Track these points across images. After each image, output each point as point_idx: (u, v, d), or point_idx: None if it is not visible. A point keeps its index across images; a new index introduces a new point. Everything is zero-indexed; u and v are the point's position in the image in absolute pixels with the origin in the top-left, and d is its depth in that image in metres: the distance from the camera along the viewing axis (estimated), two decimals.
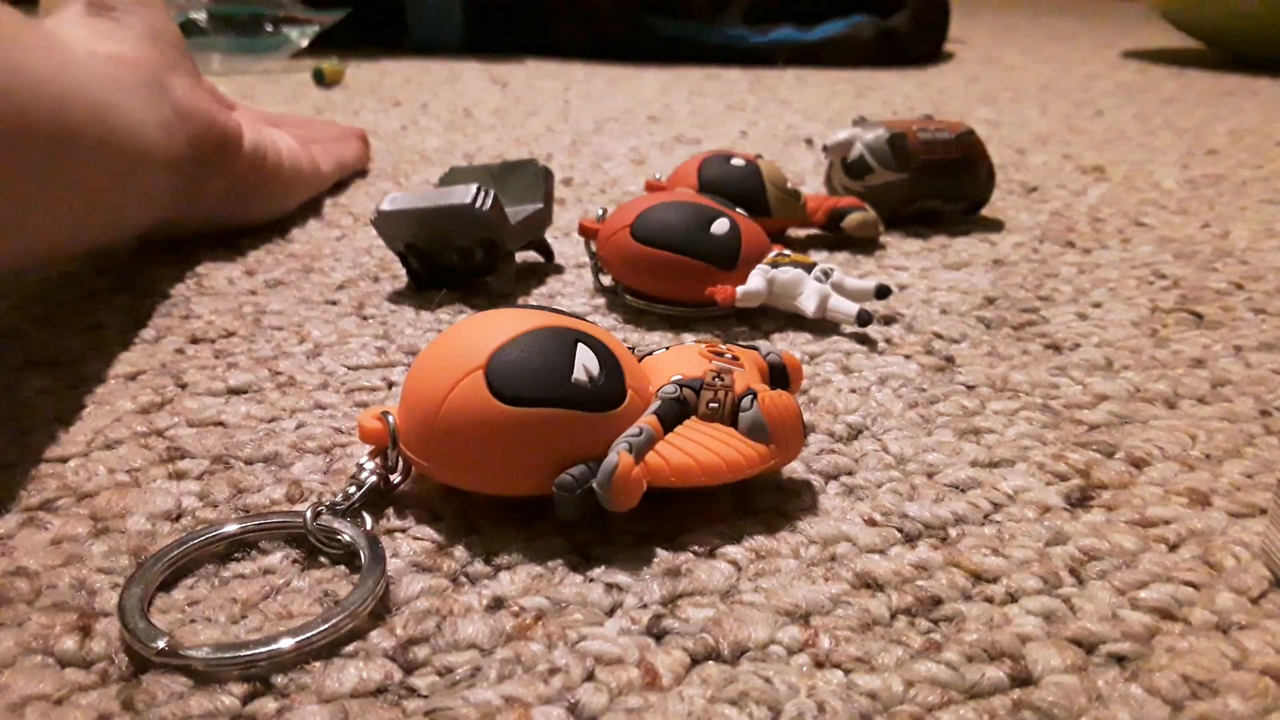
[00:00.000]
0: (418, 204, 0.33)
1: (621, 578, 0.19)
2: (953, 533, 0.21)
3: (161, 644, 0.16)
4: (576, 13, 1.08)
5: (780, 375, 0.24)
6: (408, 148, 0.60)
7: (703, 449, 0.20)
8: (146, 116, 0.31)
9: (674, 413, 0.21)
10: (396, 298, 0.34)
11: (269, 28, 0.96)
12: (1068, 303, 0.35)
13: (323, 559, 0.20)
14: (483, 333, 0.21)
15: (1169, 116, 0.75)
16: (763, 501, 0.22)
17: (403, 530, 0.21)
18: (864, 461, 0.24)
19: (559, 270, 0.38)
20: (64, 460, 0.23)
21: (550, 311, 0.22)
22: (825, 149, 0.44)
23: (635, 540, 0.20)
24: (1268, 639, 0.18)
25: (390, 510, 0.21)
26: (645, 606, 0.18)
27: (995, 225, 0.44)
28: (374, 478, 0.21)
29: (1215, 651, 0.17)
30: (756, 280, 0.32)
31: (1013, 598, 0.19)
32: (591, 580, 0.19)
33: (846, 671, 0.17)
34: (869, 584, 0.19)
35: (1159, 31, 1.49)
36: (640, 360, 0.23)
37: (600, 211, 0.36)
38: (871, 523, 0.21)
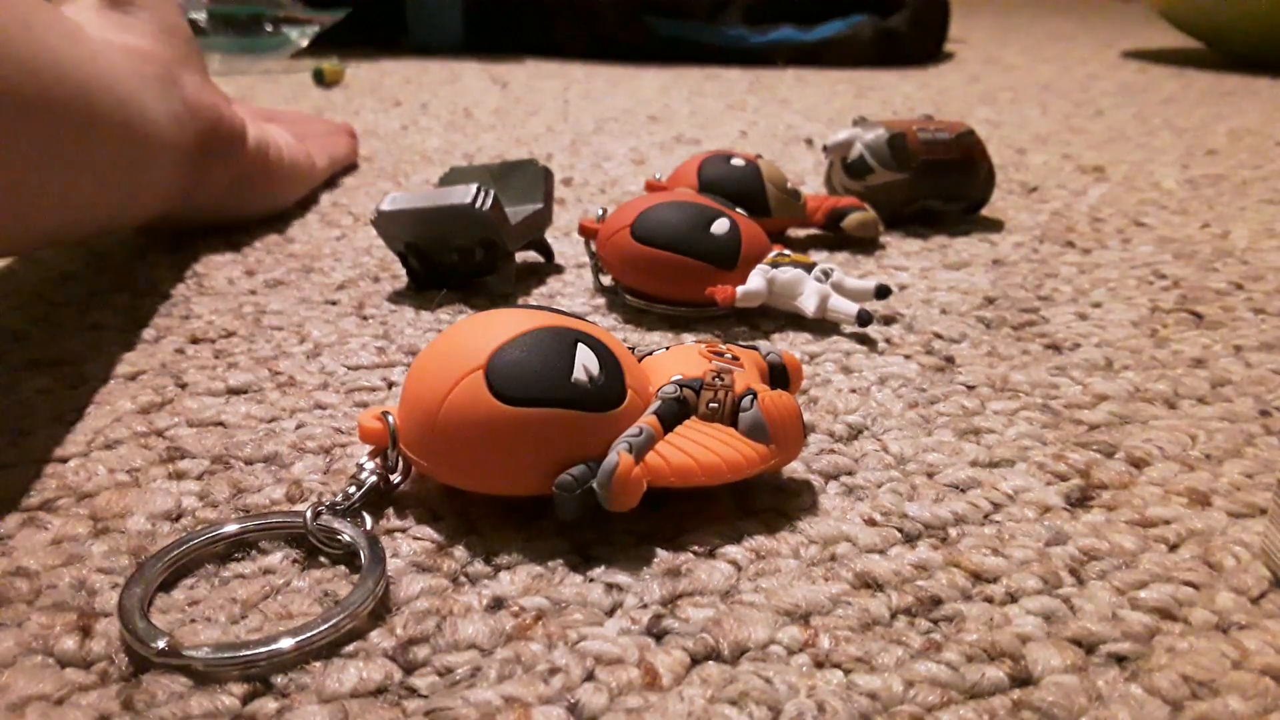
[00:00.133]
0: (418, 204, 0.33)
1: (621, 578, 0.19)
2: (953, 533, 0.21)
3: (161, 644, 0.16)
4: (576, 13, 1.08)
5: (780, 375, 0.24)
6: (408, 148, 0.60)
7: (703, 449, 0.20)
8: (160, 108, 0.32)
9: (674, 413, 0.21)
10: (396, 298, 0.34)
11: (269, 28, 0.97)
12: (1068, 303, 0.35)
13: (323, 559, 0.20)
14: (483, 333, 0.21)
15: (1169, 116, 0.75)
16: (763, 501, 0.22)
17: (403, 530, 0.21)
18: (864, 461, 0.24)
19: (559, 270, 0.38)
20: (64, 460, 0.23)
21: (550, 311, 0.22)
22: (825, 149, 0.44)
23: (635, 540, 0.20)
24: (1268, 639, 0.18)
25: (390, 510, 0.21)
26: (645, 606, 0.18)
27: (995, 225, 0.44)
28: (374, 478, 0.21)
29: (1215, 651, 0.17)
30: (756, 280, 0.32)
31: (1013, 598, 0.19)
32: (591, 580, 0.19)
33: (846, 671, 0.17)
34: (869, 584, 0.19)
35: (1159, 31, 1.49)
36: (640, 360, 0.23)
37: (600, 211, 0.36)
38: (871, 523, 0.21)
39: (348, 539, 0.19)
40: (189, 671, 0.16)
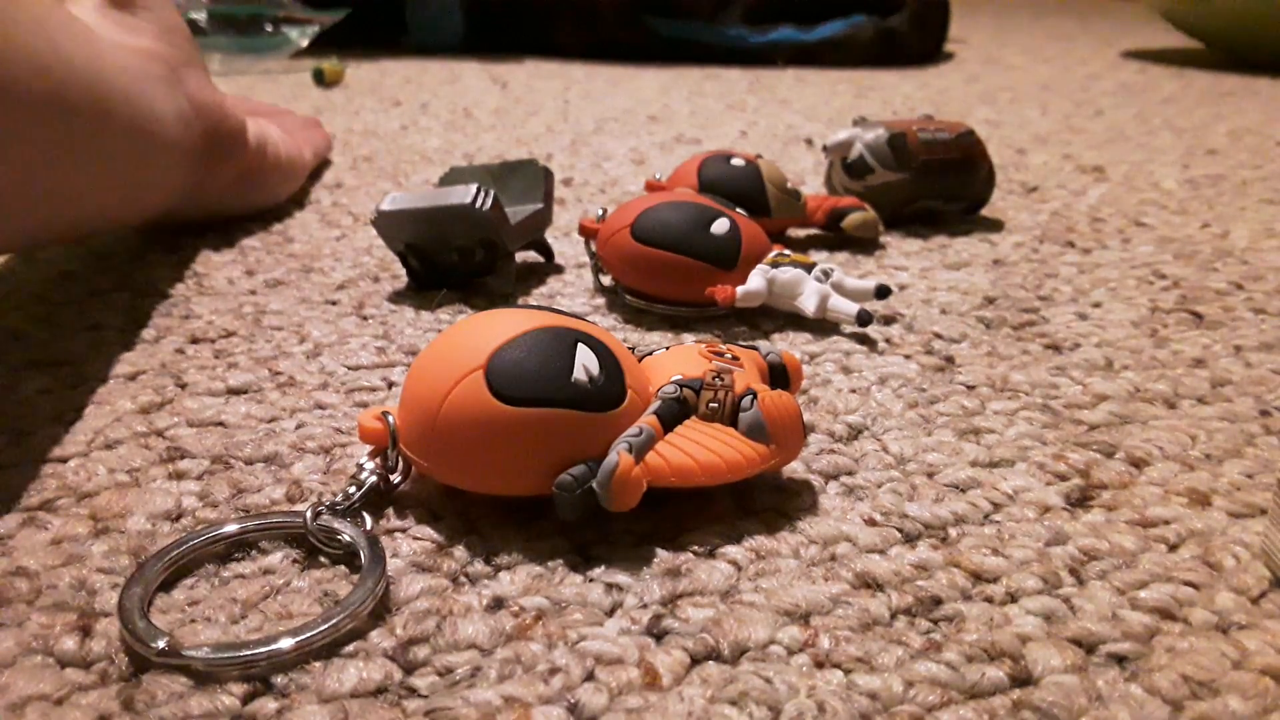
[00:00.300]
0: (418, 204, 0.33)
1: (621, 578, 0.19)
2: (953, 533, 0.21)
3: (161, 644, 0.16)
4: (577, 13, 1.08)
5: (780, 375, 0.24)
6: (408, 148, 0.60)
7: (703, 449, 0.20)
8: (167, 107, 0.33)
9: (674, 413, 0.21)
10: (396, 298, 0.34)
11: (269, 28, 0.96)
12: (1068, 303, 0.35)
13: (323, 559, 0.20)
14: (483, 333, 0.21)
15: (1169, 116, 0.75)
16: (763, 501, 0.22)
17: (403, 530, 0.21)
18: (864, 461, 0.24)
19: (559, 270, 0.38)
20: (64, 460, 0.23)
21: (550, 311, 0.22)
22: (825, 149, 0.44)
23: (635, 540, 0.20)
24: (1268, 639, 0.18)
25: (390, 510, 0.21)
26: (645, 606, 0.18)
27: (995, 225, 0.44)
28: (374, 478, 0.21)
29: (1215, 651, 0.17)
30: (756, 280, 0.32)
31: (1013, 598, 0.19)
32: (591, 580, 0.19)
33: (846, 671, 0.17)
34: (869, 584, 0.19)
35: (1159, 31, 1.49)
36: (640, 360, 0.23)
37: (600, 211, 0.36)
38: (871, 523, 0.21)
39: (348, 539, 0.19)
40: (189, 671, 0.16)
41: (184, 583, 0.19)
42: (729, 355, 0.23)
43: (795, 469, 0.23)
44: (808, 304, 0.31)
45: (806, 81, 0.94)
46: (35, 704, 0.16)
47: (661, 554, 0.20)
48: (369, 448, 0.22)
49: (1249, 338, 0.31)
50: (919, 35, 1.09)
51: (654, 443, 0.20)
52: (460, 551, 0.20)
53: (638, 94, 0.84)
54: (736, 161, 0.39)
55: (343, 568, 0.19)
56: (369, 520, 0.20)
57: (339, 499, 0.20)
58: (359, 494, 0.21)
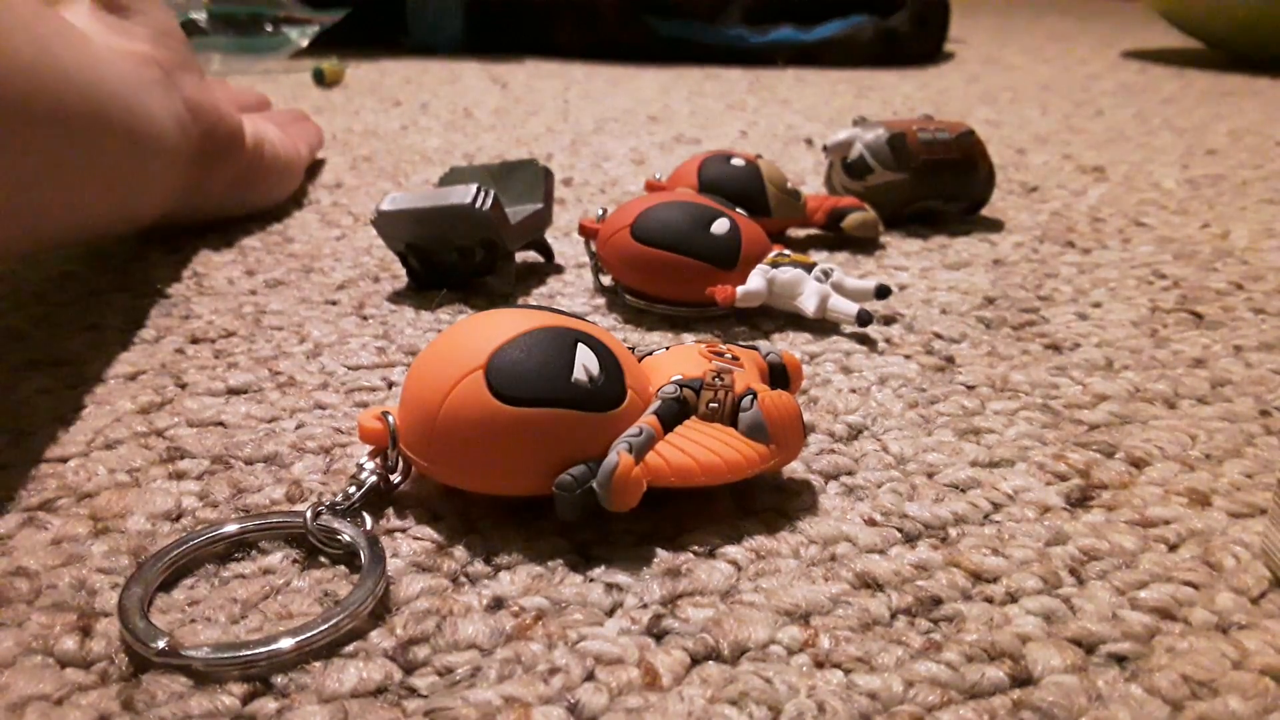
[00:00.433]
0: (418, 204, 0.33)
1: (621, 578, 0.19)
2: (953, 533, 0.21)
3: (161, 644, 0.16)
4: (577, 13, 1.08)
5: (780, 375, 0.24)
6: (408, 148, 0.60)
7: (703, 449, 0.20)
8: (163, 111, 0.33)
9: (674, 413, 0.21)
10: (396, 298, 0.34)
11: (269, 28, 0.96)
12: (1068, 303, 0.35)
13: (323, 559, 0.20)
14: (483, 333, 0.21)
15: (1169, 116, 0.75)
16: (763, 501, 0.22)
17: (403, 530, 0.21)
18: (864, 461, 0.24)
19: (559, 270, 0.38)
20: (64, 460, 0.23)
21: (550, 311, 0.22)
22: (825, 149, 0.44)
23: (635, 540, 0.20)
24: (1267, 639, 0.18)
25: (390, 510, 0.21)
26: (645, 606, 0.18)
27: (995, 225, 0.44)
28: (374, 478, 0.21)
29: (1215, 651, 0.17)
30: (756, 280, 0.32)
31: (1013, 598, 0.19)
32: (591, 580, 0.19)
33: (846, 671, 0.17)
34: (869, 584, 0.19)
35: (1159, 31, 1.49)
36: (640, 360, 0.23)
37: (600, 211, 0.36)
38: (871, 523, 0.21)
39: (348, 539, 0.19)
40: (189, 671, 0.16)
41: (184, 583, 0.19)
42: (729, 355, 0.23)
43: (795, 469, 0.23)
44: (808, 304, 0.31)
45: (806, 81, 0.94)
46: (35, 704, 0.16)
47: (661, 554, 0.20)
48: (369, 448, 0.22)
49: (1249, 338, 0.31)
50: (919, 35, 1.09)
51: (654, 443, 0.20)
52: (460, 551, 0.20)
53: (638, 94, 0.84)
54: (736, 161, 0.39)
55: (343, 568, 0.19)
56: (369, 520, 0.20)
57: (339, 499, 0.20)
58: (359, 494, 0.21)
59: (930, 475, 0.23)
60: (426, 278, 0.35)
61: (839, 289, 0.32)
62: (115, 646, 0.17)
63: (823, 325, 0.32)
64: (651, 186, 0.41)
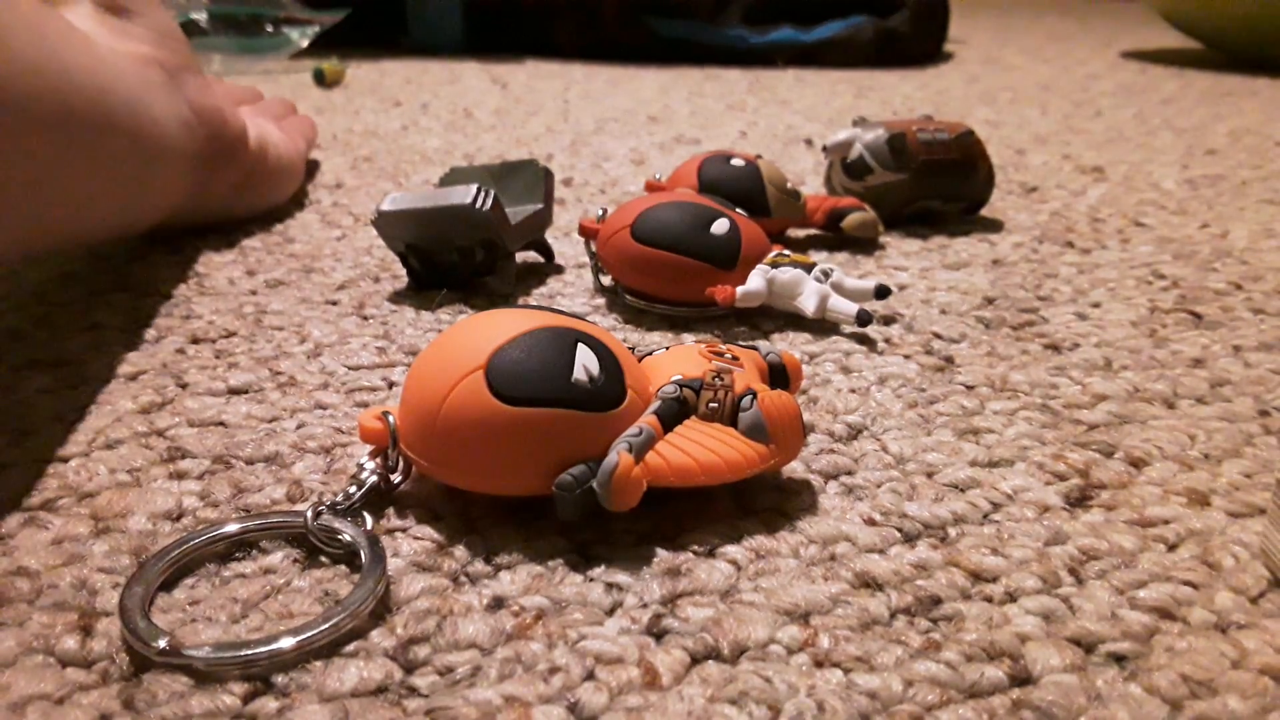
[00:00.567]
0: (418, 204, 0.33)
1: (621, 577, 0.19)
2: (952, 532, 0.21)
3: (162, 643, 0.16)
4: (577, 13, 1.08)
5: (780, 375, 0.24)
6: (408, 148, 0.60)
7: (703, 449, 0.20)
8: (167, 114, 0.33)
9: (674, 413, 0.21)
10: (397, 298, 0.34)
11: (269, 28, 0.96)
12: (1067, 303, 0.35)
13: (323, 559, 0.20)
14: (483, 333, 0.21)
15: (1168, 117, 0.75)
16: (763, 501, 0.22)
17: (403, 530, 0.21)
18: (863, 461, 0.24)
19: (559, 270, 0.38)
20: (65, 460, 0.23)
21: (550, 311, 0.22)
22: (825, 149, 0.44)
23: (635, 540, 0.20)
24: (1266, 638, 0.18)
25: (390, 510, 0.21)
26: (645, 606, 0.18)
27: (995, 225, 0.44)
28: (374, 477, 0.21)
29: (1214, 651, 0.17)
30: (756, 280, 0.32)
31: (1012, 597, 0.19)
32: (591, 580, 0.19)
33: (846, 671, 0.17)
34: (868, 583, 0.19)
35: (1158, 32, 1.49)
36: (640, 360, 0.23)
37: (600, 212, 0.36)
38: (871, 522, 0.21)
39: (348, 539, 0.19)
40: (190, 671, 0.16)
41: (185, 582, 0.19)
42: (729, 355, 0.23)
43: (795, 469, 0.23)
44: (807, 304, 0.31)
45: (806, 82, 0.94)
46: (36, 703, 0.16)
47: (661, 554, 0.20)
48: (369, 448, 0.22)
49: (1248, 338, 0.31)
50: (919, 35, 1.09)
51: (654, 443, 0.20)
52: (460, 551, 0.20)
53: (638, 94, 0.85)
54: (736, 162, 0.39)
55: (343, 567, 0.19)
56: (369, 520, 0.20)
57: (339, 499, 0.20)
58: (359, 494, 0.21)
59: (930, 475, 0.23)
60: (427, 278, 0.35)
61: (839, 289, 0.32)
62: (116, 646, 0.17)
63: (822, 325, 0.32)
64: (651, 187, 0.41)
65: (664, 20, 1.06)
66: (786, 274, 0.32)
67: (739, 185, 0.38)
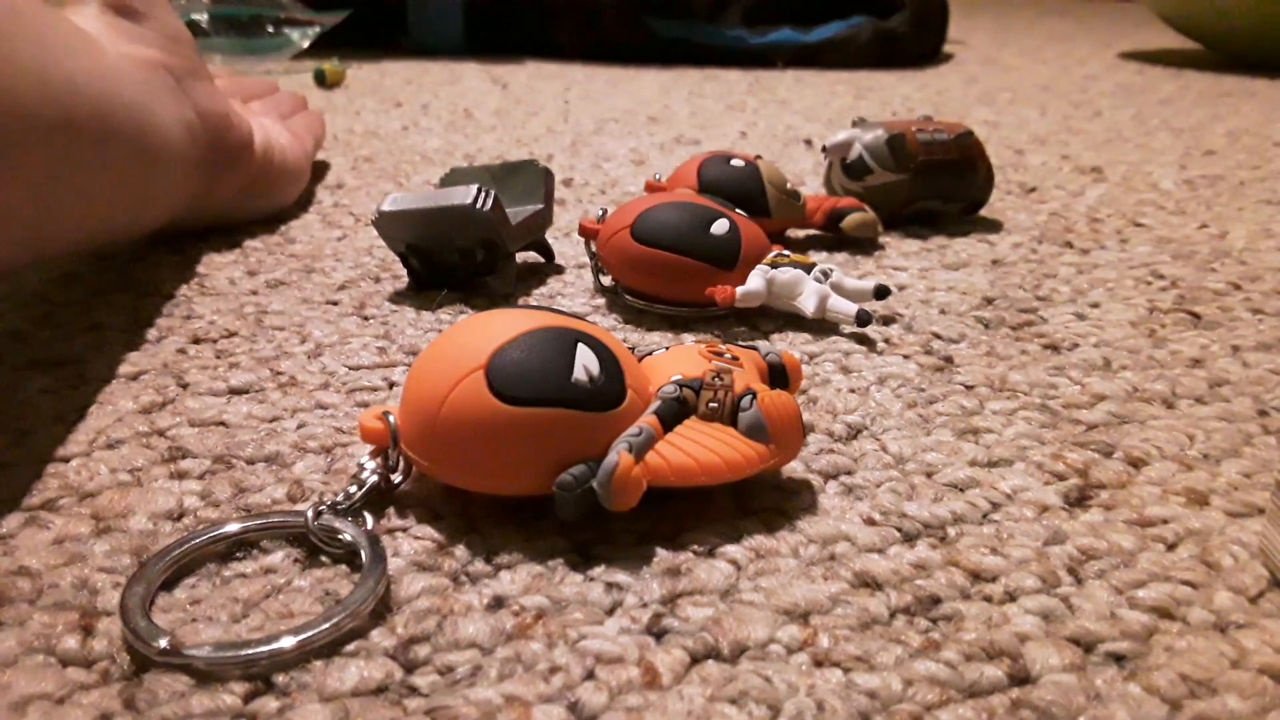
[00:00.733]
0: (418, 204, 0.33)
1: (621, 577, 0.19)
2: (951, 532, 0.21)
3: (163, 643, 0.16)
4: (577, 14, 1.08)
5: (780, 375, 0.24)
6: (408, 148, 0.60)
7: (703, 449, 0.20)
8: (173, 118, 0.33)
9: (674, 413, 0.21)
10: (397, 298, 0.34)
11: (270, 29, 0.96)
12: (1066, 303, 0.35)
13: (324, 558, 0.20)
14: (483, 333, 0.21)
15: (1167, 117, 0.75)
16: (763, 501, 0.22)
17: (403, 530, 0.21)
18: (863, 461, 0.24)
19: (559, 270, 0.38)
20: (66, 460, 0.23)
21: (550, 311, 0.22)
22: (824, 150, 0.44)
23: (635, 540, 0.20)
24: (1266, 638, 0.18)
25: (391, 510, 0.21)
26: (645, 606, 0.18)
27: (994, 226, 0.44)
28: (375, 477, 0.21)
29: (1213, 650, 0.17)
30: (756, 280, 0.32)
31: (1011, 597, 0.19)
32: (591, 579, 0.19)
33: (846, 670, 0.17)
34: (868, 583, 0.19)
35: (1157, 33, 1.49)
36: (640, 360, 0.23)
37: (600, 212, 0.36)
38: (870, 522, 0.21)
39: (349, 538, 0.19)
40: (190, 670, 0.16)
41: (185, 582, 0.19)
42: (729, 355, 0.23)
43: (795, 469, 0.23)
44: (807, 304, 0.31)
45: (806, 82, 0.94)
46: (37, 703, 0.16)
47: (661, 553, 0.20)
48: (370, 447, 0.22)
49: (1247, 338, 0.31)
50: (918, 36, 1.09)
51: (654, 442, 0.20)
52: (461, 551, 0.20)
53: (638, 95, 0.85)
54: (736, 162, 0.39)
55: (344, 567, 0.19)
56: (370, 520, 0.20)
57: (340, 498, 0.20)
58: (360, 493, 0.21)
59: (929, 475, 0.23)
60: (427, 278, 0.35)
61: (838, 289, 0.32)
62: (117, 646, 0.17)
63: (822, 325, 0.32)
64: (651, 187, 0.41)
65: (664, 21, 1.06)
66: (786, 274, 0.32)
67: (739, 186, 0.38)
